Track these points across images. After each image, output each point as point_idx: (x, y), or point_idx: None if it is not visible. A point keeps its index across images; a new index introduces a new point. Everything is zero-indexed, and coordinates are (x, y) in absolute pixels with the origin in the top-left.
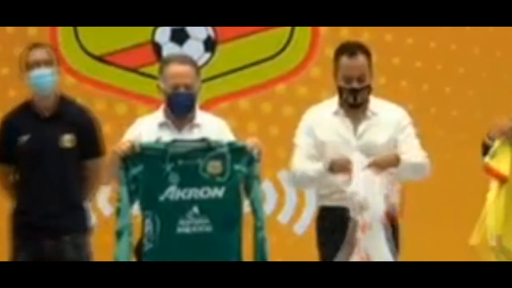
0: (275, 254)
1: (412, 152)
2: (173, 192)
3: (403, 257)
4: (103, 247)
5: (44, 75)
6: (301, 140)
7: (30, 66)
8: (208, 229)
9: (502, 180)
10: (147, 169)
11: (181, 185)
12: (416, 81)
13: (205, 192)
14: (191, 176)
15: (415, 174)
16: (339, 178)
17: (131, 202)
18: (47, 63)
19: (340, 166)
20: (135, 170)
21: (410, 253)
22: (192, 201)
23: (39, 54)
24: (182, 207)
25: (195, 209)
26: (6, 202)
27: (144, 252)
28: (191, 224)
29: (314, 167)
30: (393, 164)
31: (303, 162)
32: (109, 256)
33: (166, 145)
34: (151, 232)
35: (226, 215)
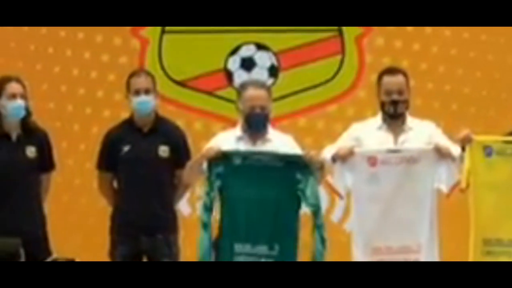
0: (329, 248)
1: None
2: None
3: (444, 258)
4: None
5: (146, 101)
6: (342, 141)
7: (134, 91)
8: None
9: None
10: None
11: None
12: (446, 102)
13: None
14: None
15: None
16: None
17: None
18: (148, 90)
19: (339, 157)
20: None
21: (452, 254)
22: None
23: (142, 82)
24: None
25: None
26: (100, 203)
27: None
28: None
29: (330, 150)
30: (451, 157)
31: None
32: (192, 251)
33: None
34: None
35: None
